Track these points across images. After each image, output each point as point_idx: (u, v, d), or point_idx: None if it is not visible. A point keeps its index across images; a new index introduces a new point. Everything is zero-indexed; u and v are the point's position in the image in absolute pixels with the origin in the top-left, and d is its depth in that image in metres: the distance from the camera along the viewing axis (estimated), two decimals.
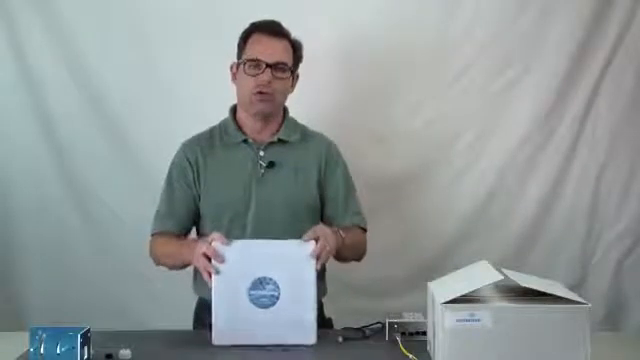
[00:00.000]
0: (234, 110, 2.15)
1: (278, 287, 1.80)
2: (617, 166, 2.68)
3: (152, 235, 2.13)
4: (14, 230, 2.66)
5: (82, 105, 2.61)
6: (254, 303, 1.80)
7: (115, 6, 2.59)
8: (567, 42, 2.61)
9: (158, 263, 2.13)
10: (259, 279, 1.80)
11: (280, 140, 2.10)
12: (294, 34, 2.09)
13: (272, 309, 1.79)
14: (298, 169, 2.09)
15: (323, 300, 2.16)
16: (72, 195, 2.65)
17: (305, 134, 2.16)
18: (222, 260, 1.81)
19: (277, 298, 1.80)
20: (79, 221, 2.66)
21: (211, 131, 2.15)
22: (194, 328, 2.16)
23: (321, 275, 2.15)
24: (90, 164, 2.63)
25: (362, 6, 2.60)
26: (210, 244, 1.82)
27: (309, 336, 1.79)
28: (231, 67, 2.10)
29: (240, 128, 2.11)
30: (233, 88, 2.12)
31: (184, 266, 2.04)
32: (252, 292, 1.80)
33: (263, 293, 1.80)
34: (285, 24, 2.10)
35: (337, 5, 2.60)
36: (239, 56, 2.09)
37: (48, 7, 2.58)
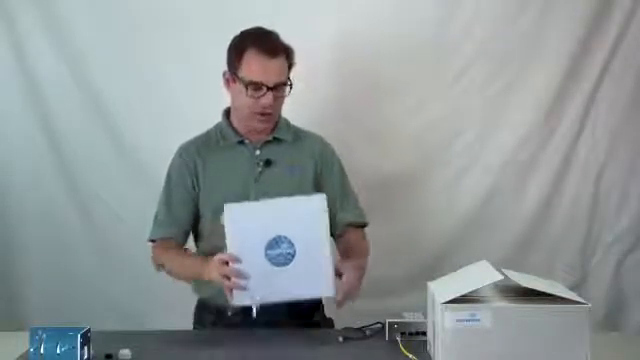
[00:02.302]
0: (227, 113, 2.15)
1: (293, 244, 1.81)
2: (617, 166, 2.68)
3: (152, 241, 2.12)
4: (14, 230, 2.67)
5: (82, 105, 2.62)
6: (271, 262, 1.82)
7: (115, 7, 2.59)
8: (567, 42, 2.61)
9: (160, 270, 2.12)
10: (274, 239, 1.82)
11: (275, 139, 2.11)
12: (291, 34, 2.07)
13: (289, 266, 1.81)
14: (294, 167, 2.10)
15: (323, 300, 2.16)
16: (72, 195, 2.65)
17: (298, 134, 2.17)
18: (245, 278, 1.81)
19: (293, 255, 1.82)
20: (79, 221, 2.66)
21: (207, 134, 2.15)
22: (194, 329, 2.16)
23: None
24: (90, 164, 2.64)
25: (362, 6, 2.60)
26: (226, 264, 1.82)
27: (327, 288, 1.82)
28: (224, 74, 2.08)
29: (235, 130, 2.11)
30: None
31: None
32: (269, 252, 1.82)
33: (279, 252, 1.82)
34: (283, 24, 2.08)
35: (336, 4, 2.60)
36: (233, 67, 2.04)
37: (48, 7, 2.58)
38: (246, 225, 1.83)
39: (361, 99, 2.64)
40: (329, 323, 2.17)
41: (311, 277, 1.81)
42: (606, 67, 2.63)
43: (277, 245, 1.82)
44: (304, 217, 1.83)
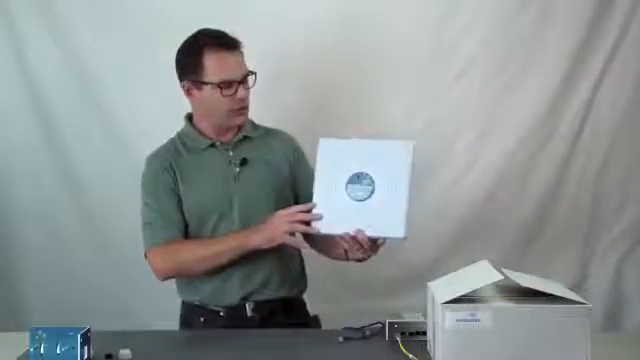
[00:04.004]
0: (190, 119, 2.13)
1: (373, 182, 1.86)
2: (617, 166, 2.68)
3: (151, 247, 2.03)
4: (14, 230, 2.67)
5: (82, 105, 2.62)
6: (350, 196, 1.86)
7: (115, 7, 2.59)
8: (567, 42, 2.61)
9: (166, 277, 2.06)
10: (356, 174, 1.87)
11: (245, 137, 2.10)
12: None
13: (366, 202, 1.86)
14: (269, 162, 2.10)
15: (305, 297, 2.17)
16: (72, 195, 2.65)
17: (266, 131, 2.17)
18: (320, 216, 1.87)
19: (372, 192, 1.86)
20: (79, 221, 2.66)
21: (172, 142, 2.13)
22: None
23: (301, 271, 2.17)
24: (90, 164, 2.64)
25: (361, 5, 2.60)
26: (298, 212, 1.88)
27: (399, 230, 1.85)
28: (182, 85, 2.07)
29: (203, 134, 2.10)
30: None
31: (224, 263, 2.00)
32: (349, 185, 1.87)
33: (359, 187, 1.86)
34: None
35: (336, 3, 2.61)
36: (192, 74, 2.03)
37: (48, 7, 2.58)
38: (335, 158, 1.89)
39: (361, 100, 2.64)
40: (314, 321, 2.16)
41: (384, 216, 1.85)
42: (606, 67, 2.63)
43: (358, 180, 1.87)
44: (390, 158, 1.87)
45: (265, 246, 1.95)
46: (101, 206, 2.64)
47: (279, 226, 1.90)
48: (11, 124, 2.63)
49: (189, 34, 2.19)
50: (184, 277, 2.08)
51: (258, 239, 1.94)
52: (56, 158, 2.64)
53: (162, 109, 2.58)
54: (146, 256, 2.06)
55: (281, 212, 1.91)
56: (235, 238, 1.99)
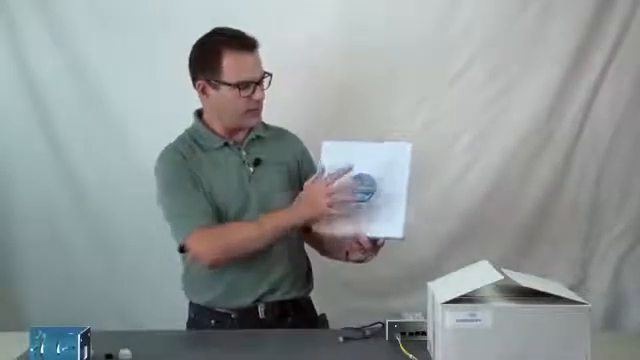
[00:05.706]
0: (200, 115, 2.12)
1: (374, 183, 1.88)
2: (617, 166, 2.68)
3: (191, 235, 1.95)
4: (14, 230, 2.66)
5: (82, 105, 2.62)
6: None
7: (115, 7, 2.59)
8: (567, 42, 2.61)
9: (226, 257, 1.97)
10: (358, 175, 1.89)
11: (257, 137, 2.10)
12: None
13: (367, 204, 1.88)
14: (280, 162, 2.10)
15: (311, 296, 2.17)
16: (72, 195, 2.65)
17: (276, 131, 2.17)
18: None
19: (373, 193, 1.88)
20: (79, 222, 2.66)
21: (182, 140, 2.10)
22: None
23: (308, 271, 2.17)
24: (90, 164, 2.64)
25: (362, 5, 2.60)
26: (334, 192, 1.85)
27: (398, 230, 1.88)
28: (198, 85, 2.04)
29: (215, 132, 2.08)
30: None
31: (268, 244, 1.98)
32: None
33: (361, 187, 1.88)
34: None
35: (337, 3, 2.61)
36: (209, 73, 2.00)
37: (48, 7, 2.58)
38: (338, 160, 1.90)
39: (361, 100, 2.64)
40: (322, 319, 2.16)
41: (384, 216, 1.88)
42: (606, 67, 2.63)
43: (360, 181, 1.88)
44: (389, 160, 1.90)
45: (310, 222, 1.95)
46: (102, 208, 2.64)
47: (321, 202, 1.87)
48: (11, 125, 2.63)
49: (192, 34, 2.21)
50: (230, 260, 1.98)
51: (305, 215, 1.93)
52: (56, 158, 2.64)
53: (164, 110, 2.58)
54: (183, 248, 2.00)
55: (316, 188, 1.89)
56: (281, 217, 1.95)
